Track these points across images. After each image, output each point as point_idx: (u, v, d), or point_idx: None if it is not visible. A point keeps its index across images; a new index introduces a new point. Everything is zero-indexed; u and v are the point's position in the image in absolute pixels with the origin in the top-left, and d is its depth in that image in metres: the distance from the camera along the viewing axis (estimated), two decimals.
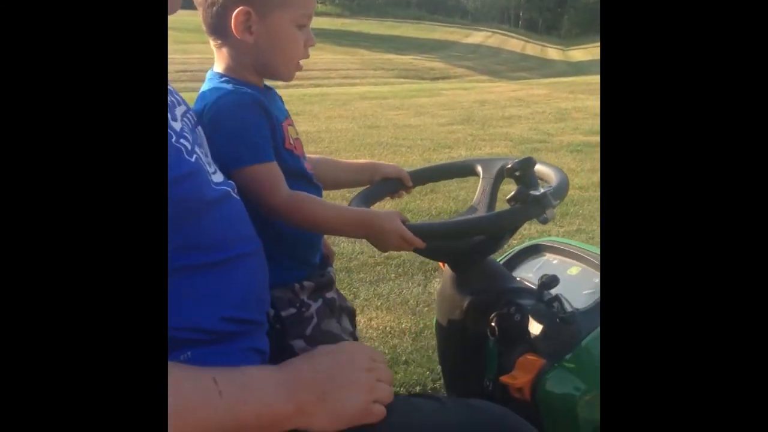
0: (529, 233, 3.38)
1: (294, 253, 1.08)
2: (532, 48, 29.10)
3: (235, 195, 0.89)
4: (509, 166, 1.06)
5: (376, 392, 0.79)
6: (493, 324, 1.07)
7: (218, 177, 0.88)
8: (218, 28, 1.04)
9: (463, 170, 1.35)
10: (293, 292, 1.05)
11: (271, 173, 1.01)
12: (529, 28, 55.63)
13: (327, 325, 1.07)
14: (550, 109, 8.90)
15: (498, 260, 1.28)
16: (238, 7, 0.99)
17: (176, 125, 0.83)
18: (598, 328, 1.03)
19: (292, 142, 1.09)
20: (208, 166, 0.86)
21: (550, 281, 1.06)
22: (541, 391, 1.03)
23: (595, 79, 15.01)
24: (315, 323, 1.05)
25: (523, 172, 1.04)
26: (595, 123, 7.72)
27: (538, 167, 1.14)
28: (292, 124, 1.12)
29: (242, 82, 1.06)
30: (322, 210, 1.03)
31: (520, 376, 1.04)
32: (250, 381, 0.74)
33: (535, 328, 1.03)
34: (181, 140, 0.80)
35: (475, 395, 1.01)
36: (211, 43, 1.07)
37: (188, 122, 0.89)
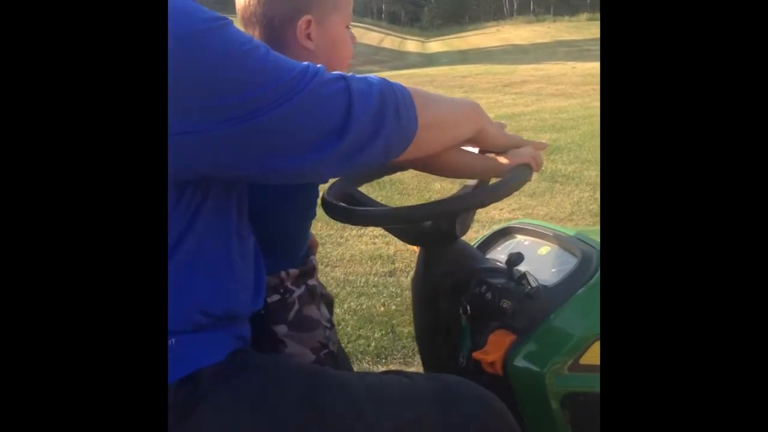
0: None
1: (285, 246, 1.13)
2: (391, 41, 29.66)
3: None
4: None
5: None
6: (465, 303, 1.12)
7: None
8: (279, 41, 1.04)
9: None
10: (279, 278, 1.09)
11: None
12: (392, 20, 56.53)
13: (308, 311, 1.11)
14: None
15: (472, 244, 1.34)
16: (299, 17, 1.02)
17: None
18: (565, 304, 1.12)
19: None
20: None
21: (515, 259, 1.11)
22: (511, 366, 1.09)
23: (439, 70, 15.61)
24: (297, 309, 1.10)
25: None
26: None
27: None
28: None
29: None
30: None
31: (491, 352, 1.09)
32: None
33: (505, 305, 1.08)
34: None
35: (450, 371, 1.08)
36: None
37: None
